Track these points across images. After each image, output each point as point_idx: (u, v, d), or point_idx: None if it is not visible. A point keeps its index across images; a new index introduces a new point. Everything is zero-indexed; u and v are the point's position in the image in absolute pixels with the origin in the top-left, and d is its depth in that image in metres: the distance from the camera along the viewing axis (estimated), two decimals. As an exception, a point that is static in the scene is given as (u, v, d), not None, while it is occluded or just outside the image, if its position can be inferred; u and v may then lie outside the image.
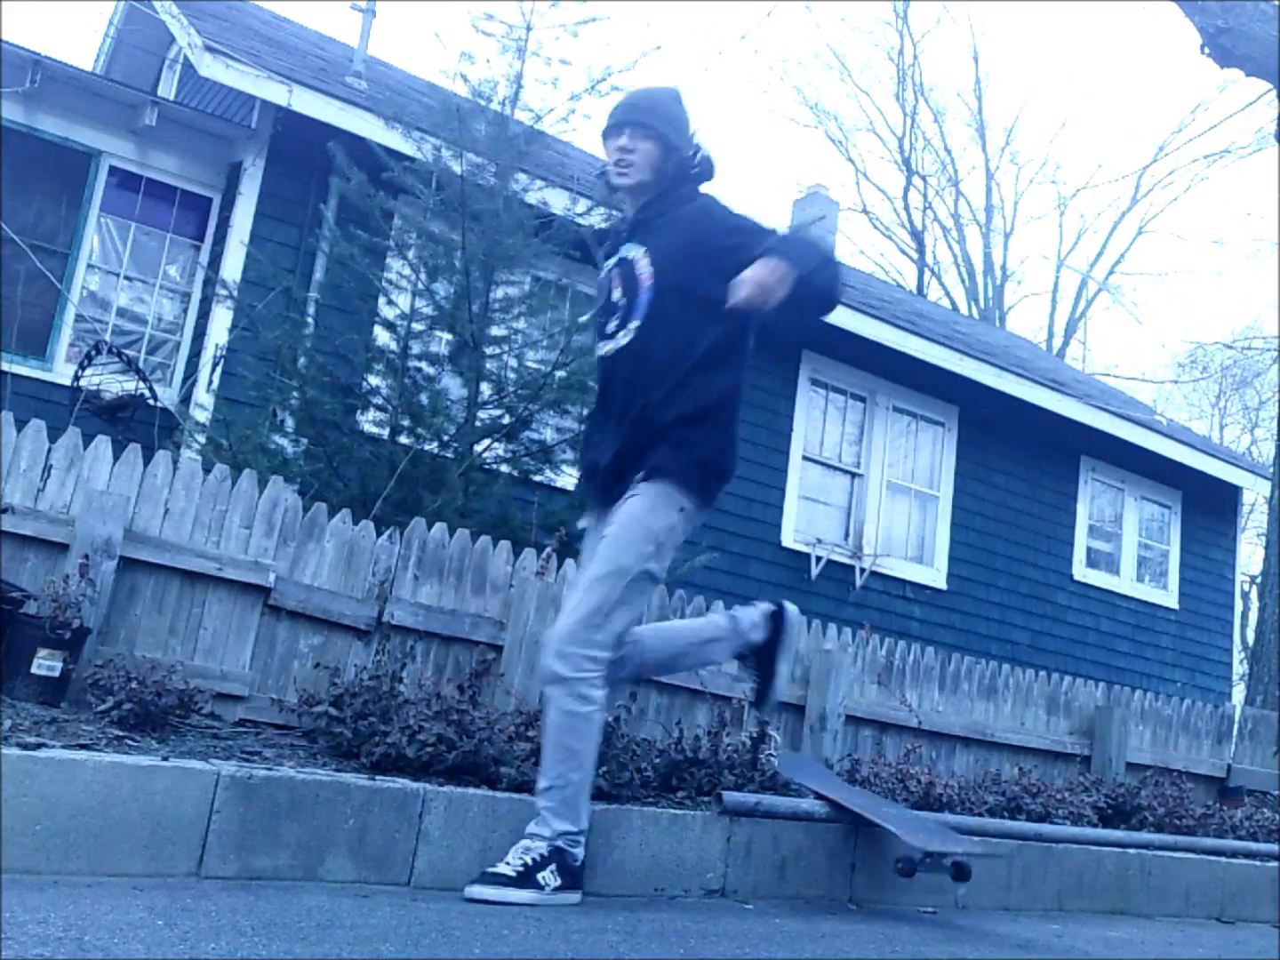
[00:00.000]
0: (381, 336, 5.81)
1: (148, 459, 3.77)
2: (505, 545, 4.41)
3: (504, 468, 5.62)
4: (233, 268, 7.13)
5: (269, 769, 2.80)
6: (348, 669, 3.86)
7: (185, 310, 7.71)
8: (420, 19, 37.65)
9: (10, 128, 7.24)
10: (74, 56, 20.06)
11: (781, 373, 9.43)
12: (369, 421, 5.59)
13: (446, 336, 5.73)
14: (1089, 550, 11.43)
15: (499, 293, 5.56)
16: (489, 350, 5.53)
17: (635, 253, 3.01)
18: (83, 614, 3.40)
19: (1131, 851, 4.54)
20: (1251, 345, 25.02)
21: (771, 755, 4.03)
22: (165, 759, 2.69)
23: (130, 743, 2.91)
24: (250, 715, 3.76)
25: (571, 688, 2.78)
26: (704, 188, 3.13)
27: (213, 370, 6.93)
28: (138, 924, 2.02)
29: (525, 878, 2.72)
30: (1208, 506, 12.43)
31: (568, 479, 6.04)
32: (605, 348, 3.06)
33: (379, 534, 4.13)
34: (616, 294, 3.02)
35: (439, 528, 4.26)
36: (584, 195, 6.30)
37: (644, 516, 2.88)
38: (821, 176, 25.39)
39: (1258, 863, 4.99)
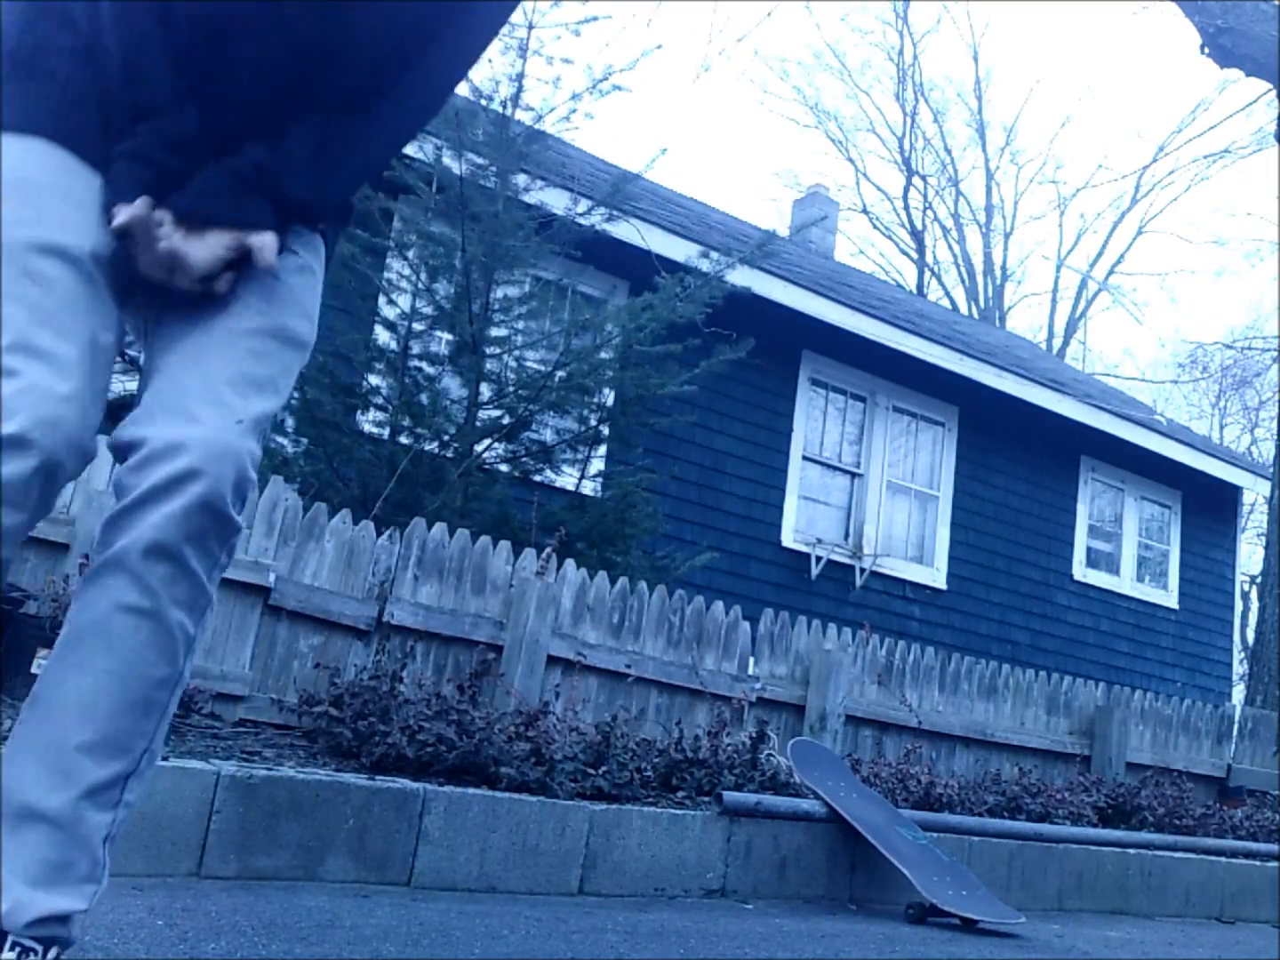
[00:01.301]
0: (382, 336, 5.81)
1: (148, 459, 3.77)
2: (505, 545, 4.41)
3: (504, 468, 5.62)
4: (233, 267, 7.13)
5: (269, 769, 2.80)
6: (348, 669, 3.87)
7: (185, 310, 7.70)
8: (420, 19, 37.62)
9: (10, 127, 7.24)
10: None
11: (781, 373, 9.43)
12: (369, 421, 5.59)
13: (447, 336, 5.73)
14: (1089, 550, 11.43)
15: (499, 293, 5.56)
16: (489, 350, 5.53)
17: None
18: (83, 614, 3.40)
19: (1131, 851, 4.55)
20: (1251, 345, 25.02)
21: (771, 754, 4.03)
22: (165, 759, 2.69)
23: (130, 743, 2.91)
24: (250, 715, 3.75)
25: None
26: None
27: (213, 370, 6.93)
28: (138, 924, 2.02)
29: None
30: (1208, 506, 12.43)
31: (568, 479, 6.04)
32: None
33: (379, 534, 4.12)
34: None
35: (439, 528, 4.26)
36: (585, 195, 6.30)
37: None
38: (821, 176, 25.37)
39: (1258, 863, 4.99)
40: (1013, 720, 5.90)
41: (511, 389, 5.50)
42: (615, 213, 6.02)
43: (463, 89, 5.66)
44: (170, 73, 1.41)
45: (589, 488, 6.19)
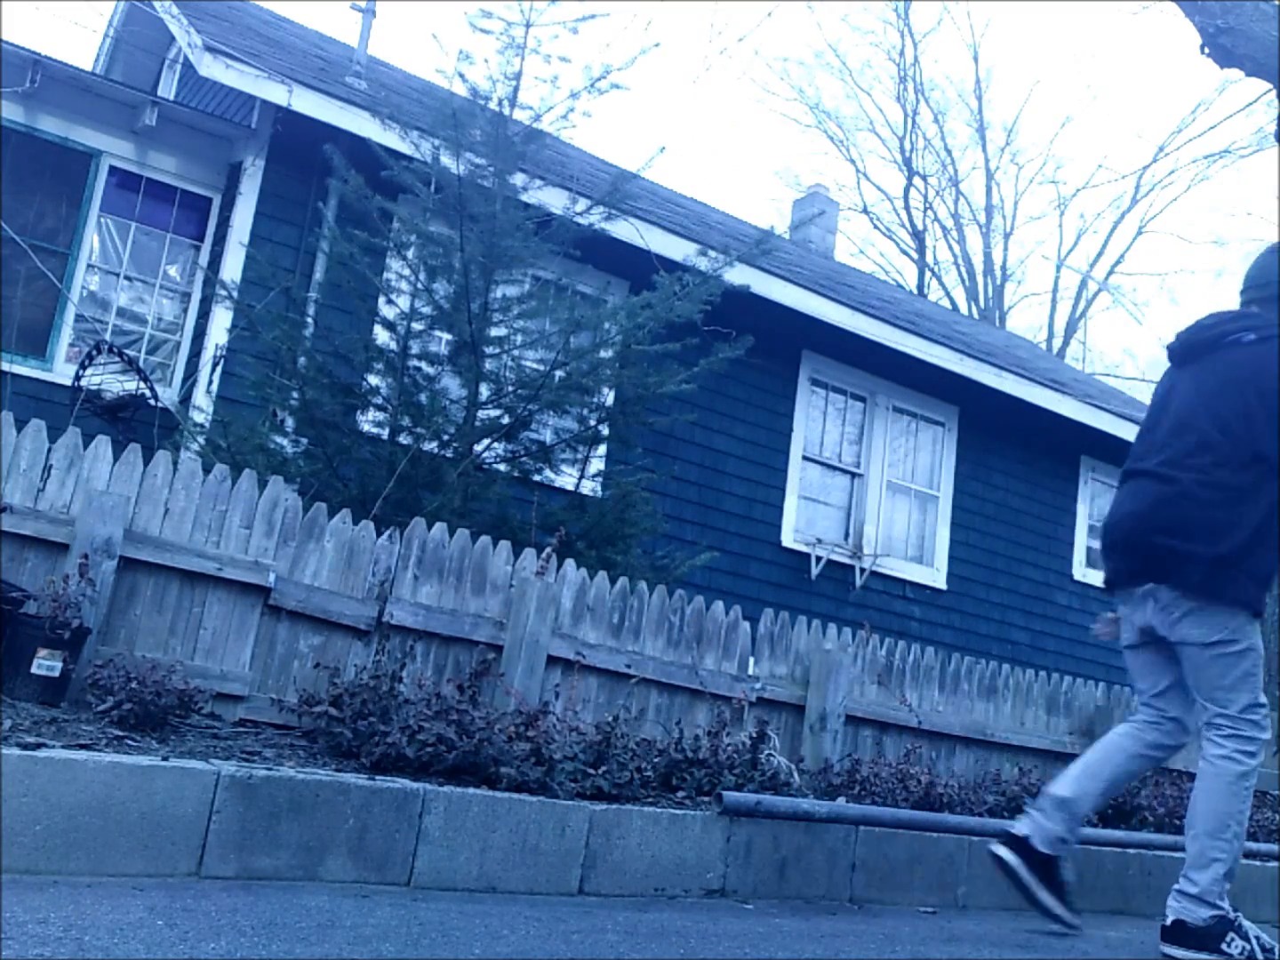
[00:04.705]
0: (381, 336, 5.80)
1: (148, 459, 3.77)
2: (505, 545, 4.41)
3: (503, 468, 5.62)
4: (232, 268, 7.13)
5: (269, 769, 2.80)
6: (348, 669, 3.86)
7: (185, 310, 7.70)
8: (420, 19, 37.68)
9: (10, 128, 7.24)
10: (74, 56, 20.06)
11: (781, 373, 9.42)
12: (369, 421, 5.59)
13: (446, 336, 5.72)
14: (1089, 550, 11.43)
15: (498, 292, 5.55)
16: (488, 350, 5.53)
17: None
18: (82, 614, 3.40)
19: (1131, 851, 4.54)
20: (1251, 345, 24.93)
21: (771, 754, 4.02)
22: (165, 759, 2.69)
23: (130, 743, 2.91)
24: (250, 715, 3.76)
25: None
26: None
27: (212, 370, 6.93)
28: (138, 924, 2.02)
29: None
30: (1208, 506, 12.40)
31: (567, 479, 6.04)
32: None
33: (379, 534, 4.12)
34: None
35: (439, 527, 4.25)
36: (583, 195, 6.30)
37: None
38: (821, 176, 25.36)
39: (1258, 863, 4.99)
40: (1013, 720, 5.90)
41: (510, 389, 5.50)
42: (614, 212, 6.01)
43: (461, 88, 5.67)
44: None
45: (588, 487, 6.19)
